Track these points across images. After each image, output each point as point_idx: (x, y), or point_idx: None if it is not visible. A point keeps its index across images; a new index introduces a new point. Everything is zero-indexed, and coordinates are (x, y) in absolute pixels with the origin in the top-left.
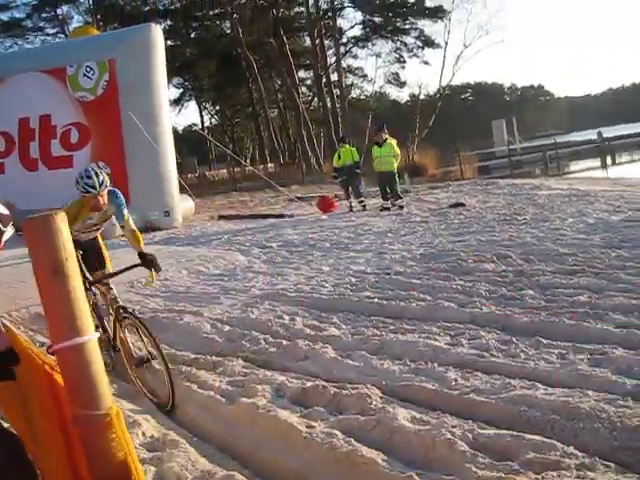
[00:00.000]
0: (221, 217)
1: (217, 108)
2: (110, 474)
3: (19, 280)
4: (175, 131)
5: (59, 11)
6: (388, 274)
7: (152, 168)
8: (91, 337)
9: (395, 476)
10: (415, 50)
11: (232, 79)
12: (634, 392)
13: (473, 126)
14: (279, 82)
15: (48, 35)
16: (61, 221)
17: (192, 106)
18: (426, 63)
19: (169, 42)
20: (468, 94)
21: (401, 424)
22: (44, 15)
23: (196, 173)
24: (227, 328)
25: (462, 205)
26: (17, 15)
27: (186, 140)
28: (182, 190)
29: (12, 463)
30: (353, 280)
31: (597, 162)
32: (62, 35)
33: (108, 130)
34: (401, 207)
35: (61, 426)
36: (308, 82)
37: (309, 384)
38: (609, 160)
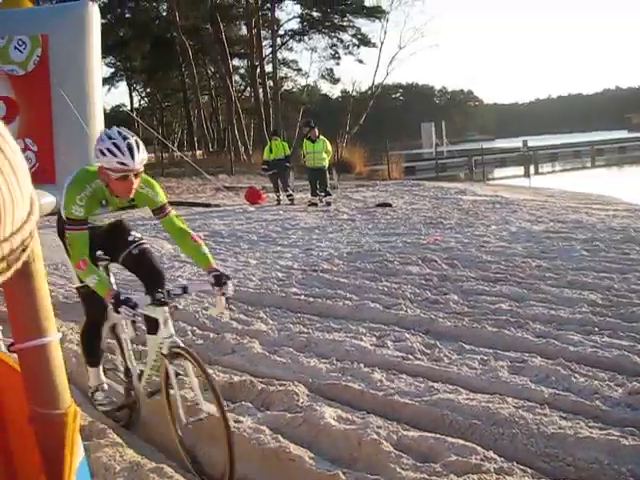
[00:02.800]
0: None
1: (148, 90)
2: (59, 473)
3: None
4: (103, 110)
5: None
6: (315, 271)
7: (80, 147)
8: (53, 338)
9: (322, 474)
10: (351, 48)
11: (165, 62)
12: (551, 400)
13: (402, 126)
14: (212, 69)
15: None
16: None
17: (122, 86)
18: (360, 62)
19: (103, 20)
20: (399, 94)
21: (328, 422)
22: None
23: None
24: None
25: (389, 205)
26: None
27: (113, 120)
28: None
29: None
30: (280, 275)
31: (521, 170)
32: None
33: (37, 106)
34: (329, 204)
35: None
36: (242, 71)
37: (236, 378)
38: (532, 169)
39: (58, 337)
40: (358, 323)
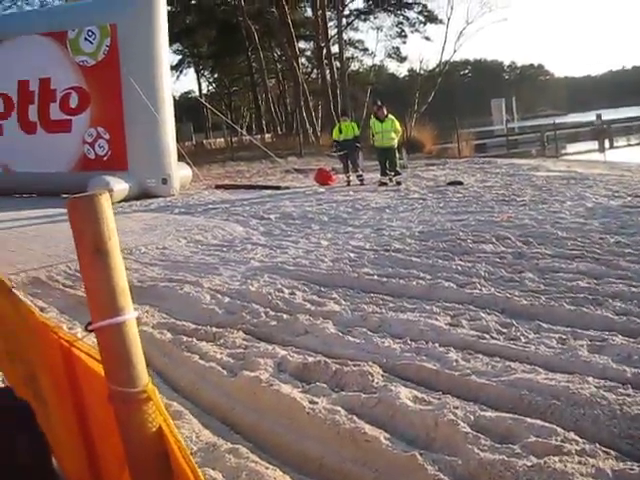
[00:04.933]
0: (218, 186)
1: (215, 76)
2: (146, 448)
3: (19, 244)
4: (172, 97)
5: None
6: (387, 251)
7: (151, 135)
8: (130, 316)
9: (398, 455)
10: (417, 25)
11: (231, 47)
12: (634, 380)
13: (471, 103)
14: (279, 52)
15: None
16: (105, 200)
17: (190, 73)
18: (427, 39)
19: (169, 8)
20: (467, 71)
21: (403, 403)
22: None
23: (193, 141)
24: (227, 300)
25: (460, 184)
26: None
27: (182, 106)
28: (180, 158)
29: (23, 432)
30: (352, 255)
31: (595, 145)
32: None
33: (108, 95)
34: (399, 183)
35: (75, 401)
36: (308, 53)
37: (310, 359)
38: (607, 143)
39: (134, 315)
40: (432, 302)
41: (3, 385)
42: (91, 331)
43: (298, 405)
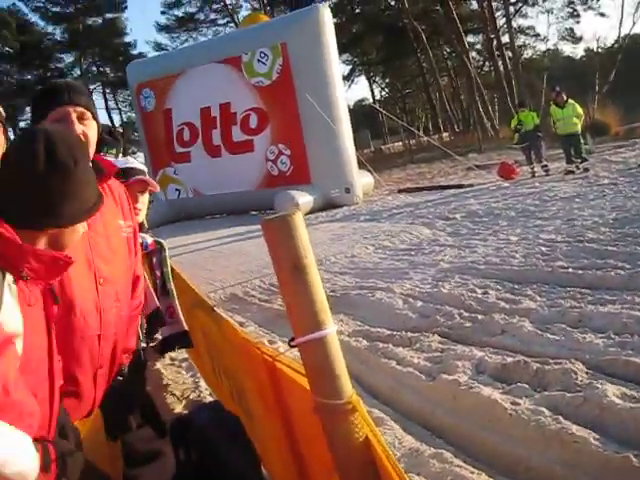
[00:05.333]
0: (401, 190)
1: (387, 81)
2: (353, 458)
3: (214, 263)
4: (347, 107)
5: (228, 1)
6: (580, 242)
7: (330, 146)
8: (331, 330)
9: (610, 456)
10: (590, 2)
11: (400, 51)
12: None
13: None
14: (448, 49)
15: (219, 26)
16: (298, 219)
17: (362, 81)
18: (602, 15)
19: (335, 19)
20: None
21: (611, 401)
22: (214, 7)
23: (371, 147)
24: (419, 303)
25: None
26: (189, 10)
27: (357, 114)
28: (360, 166)
29: (235, 443)
30: (544, 249)
31: None
32: (232, 25)
33: (285, 112)
34: (586, 170)
35: (281, 413)
36: (478, 46)
37: (509, 359)
38: None
39: (335, 329)
40: (633, 293)
41: (213, 399)
42: (294, 346)
43: (500, 407)
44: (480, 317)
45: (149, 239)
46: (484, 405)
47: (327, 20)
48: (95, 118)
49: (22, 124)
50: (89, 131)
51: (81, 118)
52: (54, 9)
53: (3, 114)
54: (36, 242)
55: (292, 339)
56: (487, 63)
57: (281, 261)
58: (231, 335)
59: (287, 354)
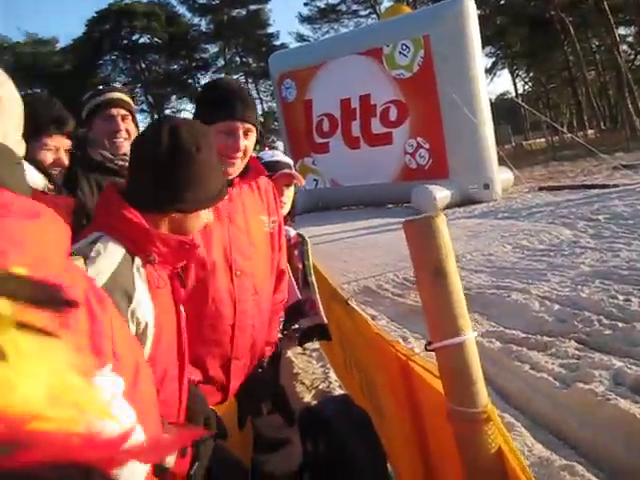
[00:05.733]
0: (541, 188)
1: (530, 75)
2: (486, 468)
3: (350, 254)
4: (488, 101)
5: None
6: None
7: (471, 140)
8: (469, 336)
9: None
10: None
11: (545, 43)
12: None
13: None
14: (597, 42)
15: (361, 17)
16: (441, 222)
17: (504, 74)
18: None
19: (479, 11)
20: None
21: None
22: None
23: (511, 143)
24: (557, 307)
25: None
26: (332, 1)
27: (499, 109)
28: (500, 161)
29: (362, 438)
30: None
31: None
32: (374, 16)
33: (425, 105)
34: None
35: (412, 412)
36: (630, 39)
37: None
38: None
39: (474, 335)
40: None
41: (342, 391)
42: (431, 350)
43: (639, 422)
44: (621, 325)
45: (292, 232)
46: (621, 419)
47: (471, 12)
48: (257, 130)
49: (168, 112)
50: (250, 144)
51: (246, 134)
52: (200, 1)
53: (133, 105)
54: (160, 227)
55: (429, 343)
56: (638, 57)
57: (422, 263)
58: (364, 329)
59: (421, 355)
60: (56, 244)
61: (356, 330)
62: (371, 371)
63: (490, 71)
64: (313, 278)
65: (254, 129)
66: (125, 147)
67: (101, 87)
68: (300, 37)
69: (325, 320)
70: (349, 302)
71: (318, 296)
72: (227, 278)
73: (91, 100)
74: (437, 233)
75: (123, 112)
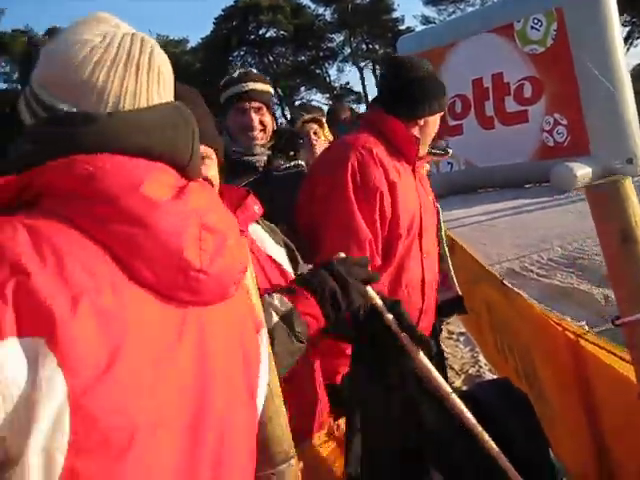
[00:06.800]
0: None
1: None
2: None
3: (489, 237)
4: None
5: None
6: None
7: (611, 114)
8: None
9: None
10: None
11: None
12: None
13: None
14: None
15: None
16: (629, 186)
17: None
18: None
19: None
20: None
21: None
22: None
23: None
24: None
25: None
26: None
27: (636, 80)
28: None
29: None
30: None
31: None
32: None
33: (561, 80)
34: None
35: (582, 397)
36: None
37: None
38: None
39: None
40: None
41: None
42: (619, 325)
43: None
44: None
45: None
46: None
47: None
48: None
49: (297, 103)
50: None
51: None
52: None
53: (269, 91)
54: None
55: (617, 317)
56: None
57: (608, 232)
58: (525, 310)
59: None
60: None
61: (515, 312)
62: (531, 353)
63: (626, 41)
64: (446, 249)
65: None
66: (259, 139)
67: (236, 74)
68: (425, 19)
69: (459, 292)
70: (504, 282)
71: (451, 267)
72: (419, 259)
73: (227, 89)
74: (625, 199)
75: (256, 104)
